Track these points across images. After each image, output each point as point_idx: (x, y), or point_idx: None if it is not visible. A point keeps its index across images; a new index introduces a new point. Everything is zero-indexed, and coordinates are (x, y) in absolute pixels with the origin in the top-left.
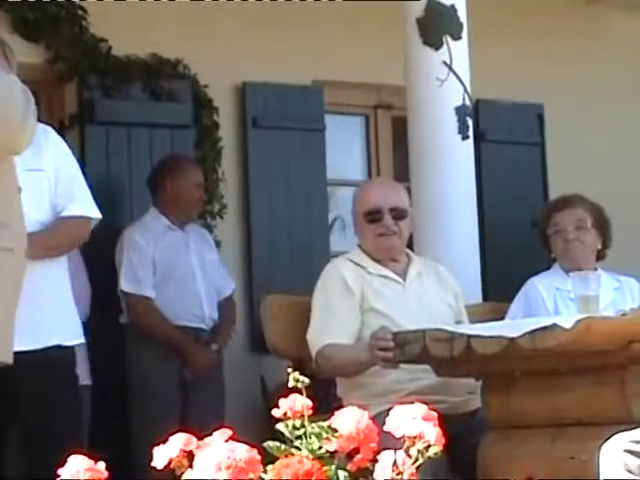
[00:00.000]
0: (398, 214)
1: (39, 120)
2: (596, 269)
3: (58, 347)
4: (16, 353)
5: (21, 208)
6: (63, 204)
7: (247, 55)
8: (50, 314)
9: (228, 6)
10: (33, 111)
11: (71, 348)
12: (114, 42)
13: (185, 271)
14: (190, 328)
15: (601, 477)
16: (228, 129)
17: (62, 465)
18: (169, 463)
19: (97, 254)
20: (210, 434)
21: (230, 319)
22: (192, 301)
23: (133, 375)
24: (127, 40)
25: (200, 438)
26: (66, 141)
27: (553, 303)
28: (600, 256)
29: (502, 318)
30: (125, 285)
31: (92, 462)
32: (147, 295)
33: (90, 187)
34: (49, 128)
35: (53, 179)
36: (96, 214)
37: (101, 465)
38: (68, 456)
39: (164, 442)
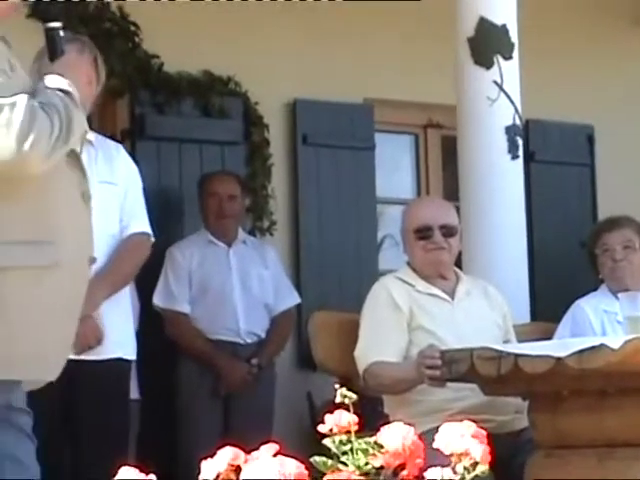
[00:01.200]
0: (448, 231)
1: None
2: None
3: (119, 360)
4: (79, 361)
5: (82, 218)
6: (128, 220)
7: (298, 72)
8: (115, 328)
9: (279, 24)
10: (50, 127)
11: (129, 362)
12: (166, 58)
13: (222, 285)
14: (226, 342)
15: None
16: (278, 146)
17: (107, 471)
18: (217, 477)
19: (147, 270)
20: (257, 448)
21: (278, 335)
22: (228, 315)
23: (175, 389)
24: (179, 57)
25: (246, 452)
26: None
27: (600, 325)
28: None
29: (550, 338)
30: (157, 300)
31: (143, 474)
32: (181, 310)
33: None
34: (119, 145)
35: (122, 194)
36: (152, 235)
37: (152, 477)
38: (113, 465)
39: (211, 456)
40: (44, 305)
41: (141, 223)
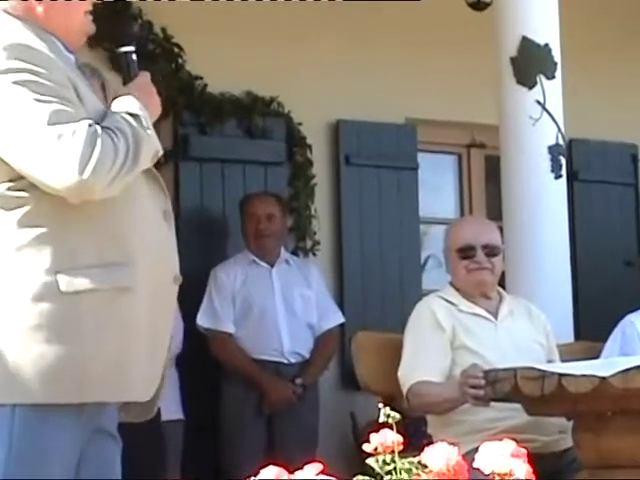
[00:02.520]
0: (491, 251)
1: None
2: None
3: None
4: None
5: (163, 238)
6: None
7: (341, 93)
8: None
9: (322, 45)
10: (114, 153)
11: None
12: (209, 80)
13: (266, 306)
14: (270, 362)
15: None
16: (321, 166)
17: None
18: None
19: (191, 290)
20: (301, 468)
21: (322, 355)
22: (271, 335)
23: (220, 409)
24: (222, 78)
25: (290, 472)
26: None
27: None
28: None
29: (594, 357)
30: (201, 320)
31: None
32: (225, 330)
33: (184, 222)
34: None
35: None
36: None
37: None
38: None
39: (255, 475)
40: (119, 327)
41: None
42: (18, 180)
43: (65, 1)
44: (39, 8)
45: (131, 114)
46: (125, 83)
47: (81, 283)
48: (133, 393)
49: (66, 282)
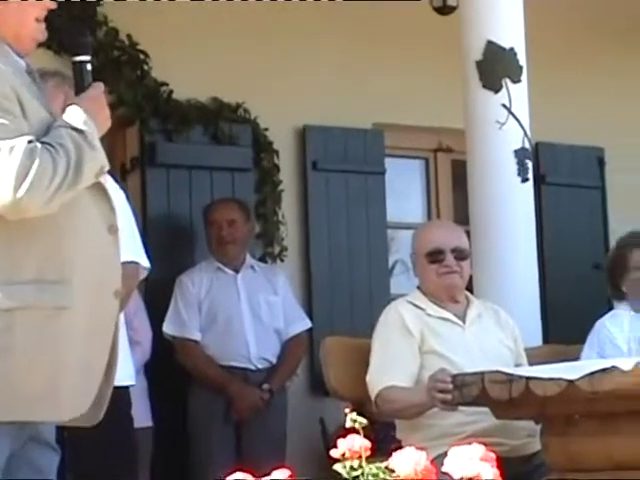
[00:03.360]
0: (460, 254)
1: None
2: None
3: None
4: None
5: (107, 252)
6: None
7: (307, 99)
8: None
9: (288, 50)
10: (53, 170)
11: (126, 388)
12: (175, 86)
13: (231, 312)
14: (237, 368)
15: None
16: (288, 172)
17: None
18: None
19: (158, 298)
20: (269, 474)
21: (289, 360)
22: (238, 342)
23: (187, 415)
24: (188, 84)
25: (257, 477)
26: (127, 183)
27: (627, 344)
28: None
29: (562, 360)
30: (167, 327)
31: None
32: (191, 337)
33: (151, 229)
34: (108, 177)
35: None
36: (146, 263)
37: None
38: None
39: None
40: (55, 346)
41: (128, 252)
42: None
43: (16, 6)
44: None
45: (76, 129)
46: (77, 93)
47: (16, 299)
48: (64, 412)
49: (0, 298)
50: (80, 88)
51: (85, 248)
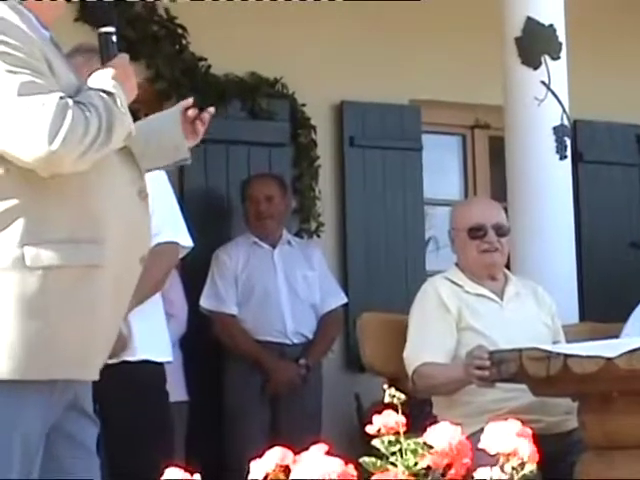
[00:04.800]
0: (500, 230)
1: None
2: None
3: (146, 362)
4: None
5: (136, 217)
6: (158, 230)
7: (345, 74)
8: (141, 333)
9: (326, 26)
10: (84, 127)
11: (160, 364)
12: (213, 61)
13: (268, 287)
14: (273, 343)
15: None
16: (325, 148)
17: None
18: (265, 477)
19: (195, 273)
20: (305, 449)
21: (325, 335)
22: (275, 317)
23: (223, 390)
24: (226, 59)
25: (296, 453)
26: None
27: None
28: None
29: (599, 338)
30: (204, 302)
31: (188, 475)
32: (228, 312)
33: (188, 204)
34: None
35: (151, 204)
36: (188, 242)
37: (197, 477)
38: (146, 465)
39: (260, 456)
40: (85, 305)
41: (169, 232)
42: None
43: None
44: None
45: (106, 91)
46: (103, 64)
47: (49, 258)
48: (95, 372)
49: (33, 256)
50: (106, 59)
51: (115, 209)
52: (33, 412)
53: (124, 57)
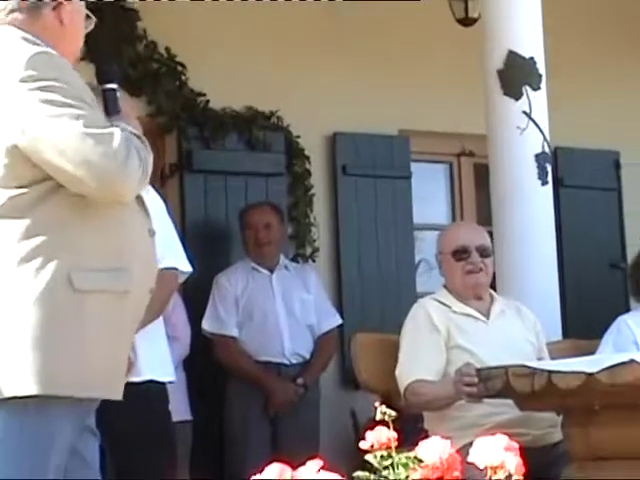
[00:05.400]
0: (484, 252)
1: None
2: None
3: (150, 382)
4: None
5: (148, 252)
6: (160, 256)
7: (337, 107)
8: (144, 354)
9: (319, 62)
10: (139, 160)
11: (163, 384)
12: (211, 96)
13: (267, 310)
14: (272, 363)
15: None
16: (319, 177)
17: None
18: None
19: (196, 297)
20: (303, 464)
21: (322, 355)
22: (274, 338)
23: (225, 409)
24: (223, 94)
25: (294, 468)
26: (166, 189)
27: None
28: None
29: (582, 354)
30: (206, 325)
31: None
32: (229, 334)
33: (190, 232)
34: (149, 187)
35: None
36: (187, 267)
37: None
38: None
39: (260, 472)
40: (117, 328)
41: (170, 259)
42: (38, 184)
43: (78, 25)
44: (60, 29)
45: (133, 133)
46: (108, 116)
47: (92, 282)
48: (119, 392)
49: (79, 280)
50: (114, 112)
51: (135, 244)
52: (65, 428)
53: (126, 98)
